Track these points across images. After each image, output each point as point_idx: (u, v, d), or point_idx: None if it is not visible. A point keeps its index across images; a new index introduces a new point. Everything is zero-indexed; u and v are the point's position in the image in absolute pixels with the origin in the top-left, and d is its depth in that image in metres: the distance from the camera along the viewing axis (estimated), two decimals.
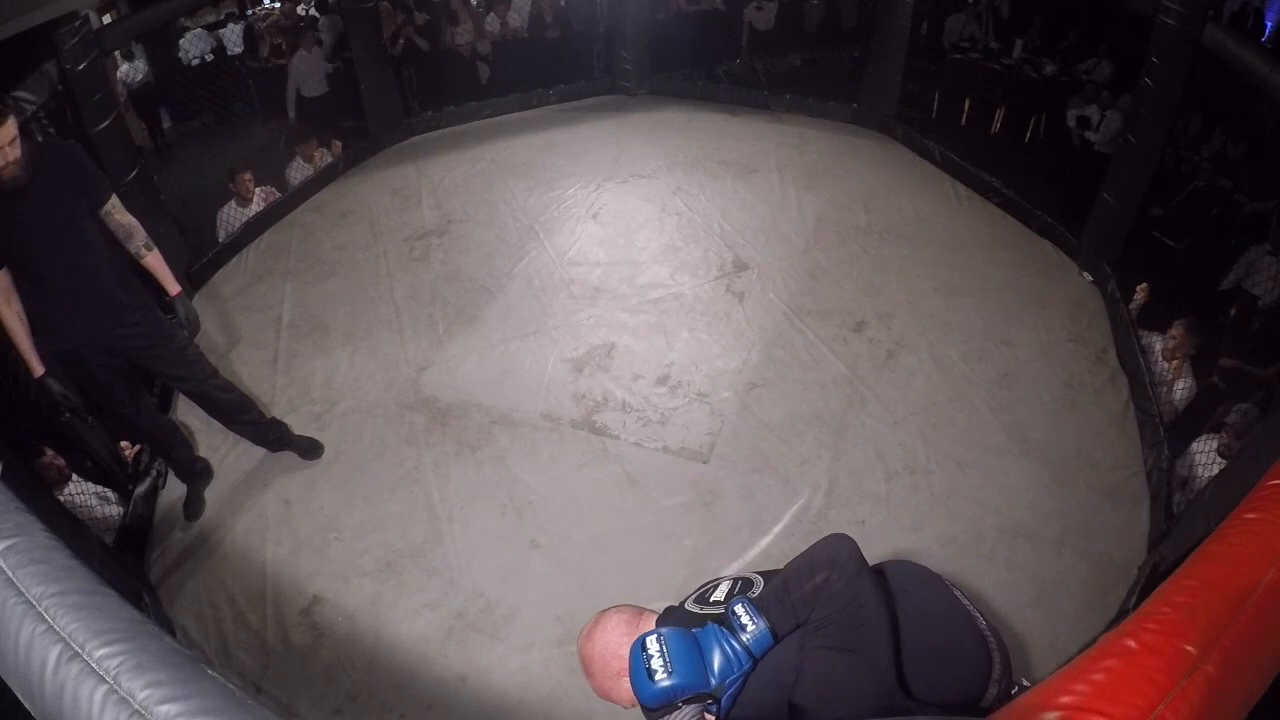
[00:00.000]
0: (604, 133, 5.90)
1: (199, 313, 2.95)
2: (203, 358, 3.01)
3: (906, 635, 1.26)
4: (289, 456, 3.33)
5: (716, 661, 1.19)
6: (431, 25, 6.19)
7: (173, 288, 2.77)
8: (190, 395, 2.99)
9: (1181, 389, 3.43)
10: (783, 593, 1.24)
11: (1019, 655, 2.63)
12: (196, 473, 3.17)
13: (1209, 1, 3.68)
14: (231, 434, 3.22)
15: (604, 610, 1.44)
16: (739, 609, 1.23)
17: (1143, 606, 0.96)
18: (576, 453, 3.42)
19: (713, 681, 1.18)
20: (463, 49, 6.23)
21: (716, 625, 1.23)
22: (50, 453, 2.91)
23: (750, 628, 1.20)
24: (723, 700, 1.20)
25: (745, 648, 1.19)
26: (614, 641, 1.36)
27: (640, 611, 1.42)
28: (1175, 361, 3.46)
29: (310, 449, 3.38)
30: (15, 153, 2.27)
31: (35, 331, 2.54)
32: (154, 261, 2.73)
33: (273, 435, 3.25)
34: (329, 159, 5.34)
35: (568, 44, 6.48)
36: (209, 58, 6.49)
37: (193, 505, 3.17)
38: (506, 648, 2.73)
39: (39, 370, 2.53)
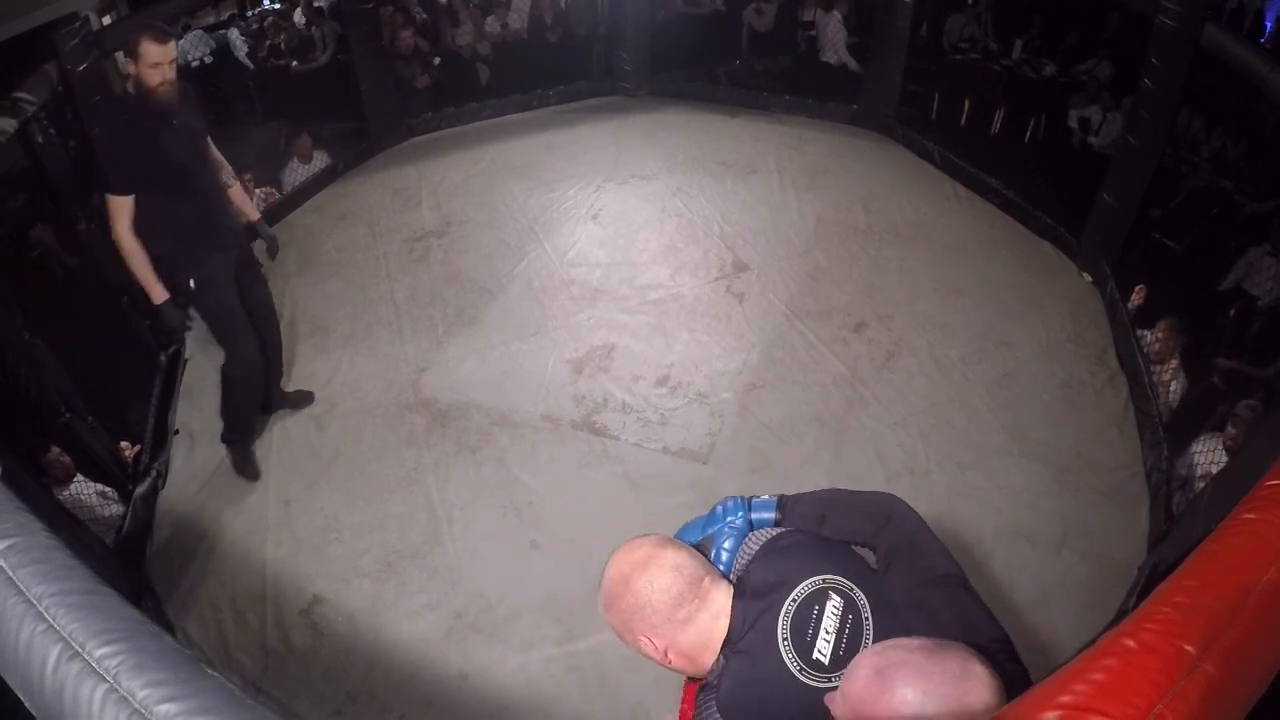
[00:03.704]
0: (604, 134, 5.90)
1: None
2: None
3: None
4: (289, 456, 3.35)
5: (718, 508, 1.35)
6: (432, 26, 6.19)
7: (254, 215, 3.16)
8: (266, 326, 3.18)
9: (1176, 388, 3.42)
10: (814, 505, 1.31)
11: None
12: (252, 427, 3.31)
13: (1209, 1, 3.68)
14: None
15: (648, 549, 1.30)
16: (764, 496, 1.36)
17: (1142, 606, 0.96)
18: (576, 453, 3.42)
19: (704, 530, 1.34)
20: (462, 50, 6.23)
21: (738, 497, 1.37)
22: (56, 449, 2.91)
23: (765, 496, 1.35)
24: (711, 554, 1.31)
25: (746, 503, 1.34)
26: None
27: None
28: (1173, 362, 3.46)
29: (300, 400, 3.59)
30: (173, 73, 2.50)
31: (175, 254, 2.69)
32: (238, 193, 3.08)
33: (275, 396, 3.48)
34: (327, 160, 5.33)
35: (568, 45, 6.47)
36: (208, 59, 6.47)
37: (249, 466, 3.27)
38: (506, 648, 2.73)
39: (162, 296, 2.66)
